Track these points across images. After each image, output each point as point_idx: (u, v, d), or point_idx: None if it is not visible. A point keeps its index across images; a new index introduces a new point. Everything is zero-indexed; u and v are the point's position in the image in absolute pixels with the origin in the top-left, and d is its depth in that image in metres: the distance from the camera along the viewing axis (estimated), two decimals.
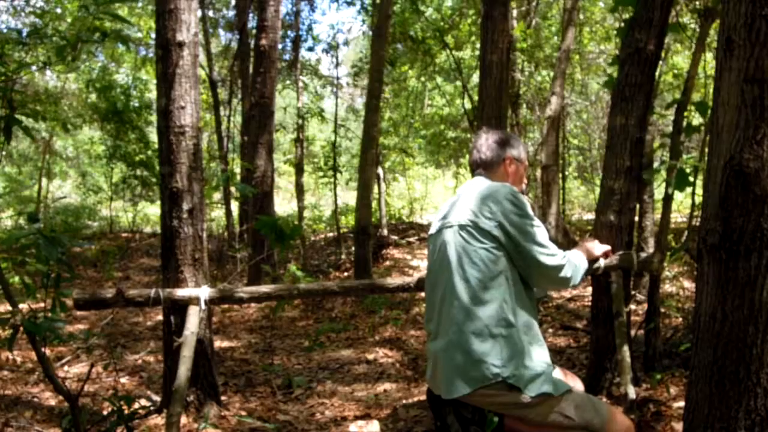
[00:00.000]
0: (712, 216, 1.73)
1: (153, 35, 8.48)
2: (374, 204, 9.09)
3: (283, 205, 16.97)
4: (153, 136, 10.97)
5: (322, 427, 3.09)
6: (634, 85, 2.92)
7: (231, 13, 12.65)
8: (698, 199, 2.82)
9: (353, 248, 7.64)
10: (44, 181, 14.09)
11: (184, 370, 2.63)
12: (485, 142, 2.21)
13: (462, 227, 1.98)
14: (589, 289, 3.22)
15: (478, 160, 2.21)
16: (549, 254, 1.99)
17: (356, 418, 3.19)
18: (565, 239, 7.58)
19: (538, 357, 1.93)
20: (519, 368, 1.85)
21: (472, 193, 2.05)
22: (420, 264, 8.41)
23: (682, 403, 2.57)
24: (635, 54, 2.90)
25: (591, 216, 11.58)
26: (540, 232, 1.98)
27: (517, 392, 1.84)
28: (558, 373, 2.07)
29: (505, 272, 1.94)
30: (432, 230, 2.16)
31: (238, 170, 9.13)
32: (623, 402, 2.67)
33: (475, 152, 2.22)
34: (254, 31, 7.96)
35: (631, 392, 2.64)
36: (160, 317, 4.55)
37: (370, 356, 4.43)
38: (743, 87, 1.64)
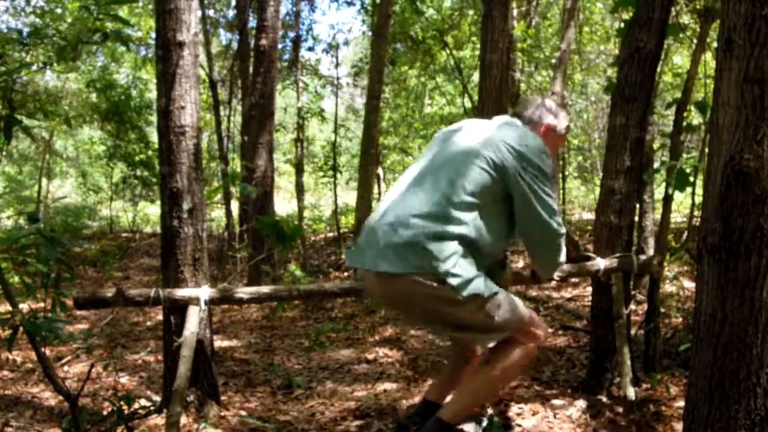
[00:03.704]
0: (712, 216, 1.73)
1: (153, 35, 8.47)
2: (374, 204, 9.09)
3: (283, 205, 16.95)
4: (153, 136, 10.97)
5: (322, 427, 3.08)
6: (634, 85, 2.91)
7: (231, 13, 12.65)
8: (698, 199, 2.82)
9: None
10: (44, 181, 14.08)
11: (184, 370, 2.63)
12: (536, 101, 2.32)
13: (481, 155, 2.03)
14: (589, 289, 3.22)
15: (521, 113, 2.30)
16: (553, 216, 2.10)
17: (356, 418, 3.19)
18: (565, 239, 7.58)
19: (476, 267, 2.00)
20: (456, 267, 1.91)
21: (507, 128, 2.13)
22: None
23: (682, 403, 2.57)
24: (635, 54, 2.90)
25: (591, 216, 11.57)
26: (552, 199, 2.08)
27: (450, 289, 1.90)
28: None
29: (496, 207, 2.03)
30: (444, 133, 2.25)
31: (237, 170, 9.13)
32: (623, 402, 2.67)
33: (524, 104, 2.32)
34: (254, 31, 7.96)
35: (631, 393, 2.64)
36: (160, 317, 4.55)
37: (370, 356, 4.42)
38: (743, 87, 1.64)
